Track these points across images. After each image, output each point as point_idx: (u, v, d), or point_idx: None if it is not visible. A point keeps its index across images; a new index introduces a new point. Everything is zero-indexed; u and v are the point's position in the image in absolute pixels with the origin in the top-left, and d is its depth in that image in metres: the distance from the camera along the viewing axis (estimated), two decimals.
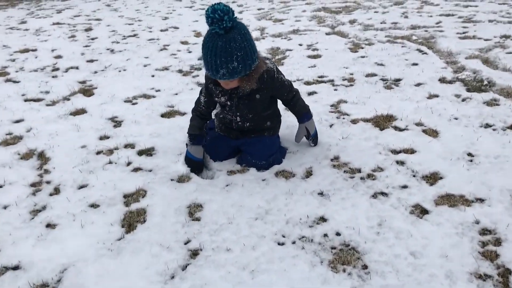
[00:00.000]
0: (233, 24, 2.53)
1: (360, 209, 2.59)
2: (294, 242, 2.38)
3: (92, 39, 6.95)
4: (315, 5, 8.57)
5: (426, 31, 6.08)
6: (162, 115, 4.02)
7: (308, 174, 2.98)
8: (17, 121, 4.06)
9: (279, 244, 2.38)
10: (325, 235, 2.42)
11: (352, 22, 6.97)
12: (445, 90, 4.10)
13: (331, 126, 3.59)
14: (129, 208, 2.73)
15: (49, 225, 2.63)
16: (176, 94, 4.49)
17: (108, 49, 6.29)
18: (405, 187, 2.76)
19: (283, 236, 2.43)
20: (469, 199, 2.60)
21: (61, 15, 9.05)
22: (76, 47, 6.45)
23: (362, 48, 5.56)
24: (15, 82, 5.12)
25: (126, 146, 3.49)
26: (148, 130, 3.71)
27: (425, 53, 5.17)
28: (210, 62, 2.57)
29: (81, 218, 2.66)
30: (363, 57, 5.21)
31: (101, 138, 3.64)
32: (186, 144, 3.13)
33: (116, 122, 3.92)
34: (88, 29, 7.61)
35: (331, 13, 7.71)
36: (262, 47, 5.87)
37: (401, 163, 3.02)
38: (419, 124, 3.52)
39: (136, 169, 3.16)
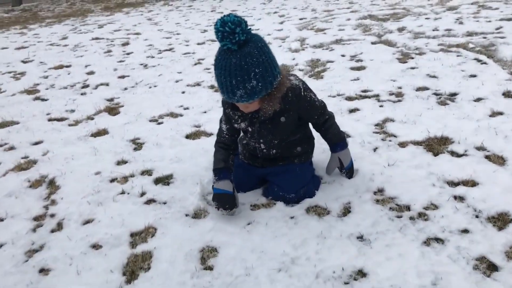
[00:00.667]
0: (247, 37, 2.13)
1: (409, 260, 2.09)
2: None
3: (128, 53, 6.75)
4: (360, 13, 8.05)
5: (485, 37, 5.45)
6: (187, 136, 3.66)
7: (346, 211, 2.51)
8: (36, 143, 3.82)
9: None
10: None
11: (401, 30, 6.41)
12: (511, 106, 3.51)
13: (375, 150, 3.10)
14: (135, 251, 2.36)
15: (42, 270, 2.29)
16: (205, 112, 4.13)
17: (141, 64, 6.04)
18: (465, 231, 2.24)
19: None
20: None
21: (101, 30, 8.99)
22: (110, 62, 6.26)
23: (412, 58, 5.02)
24: (43, 100, 4.94)
25: (143, 172, 3.14)
26: (169, 153, 3.36)
27: (485, 63, 4.57)
28: (225, 84, 2.17)
29: (79, 262, 2.31)
30: (413, 68, 4.67)
31: (118, 163, 3.32)
32: (212, 186, 2.60)
33: (137, 145, 3.59)
34: (125, 44, 7.45)
35: (377, 20, 7.18)
36: (301, 59, 5.44)
37: (460, 198, 2.49)
38: (480, 148, 2.97)
39: (149, 201, 2.79)
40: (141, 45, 7.22)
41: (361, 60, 5.14)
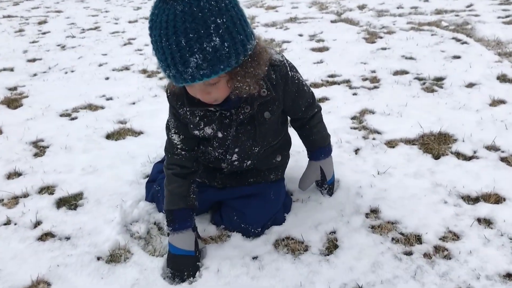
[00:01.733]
0: None
1: None
2: None
3: (44, 33, 5.64)
4: None
5: (457, 15, 4.85)
6: (108, 136, 2.77)
7: (331, 245, 1.75)
8: None
9: None
10: None
11: (361, 7, 5.73)
12: (511, 92, 2.88)
13: (356, 151, 2.37)
14: None
15: None
16: (133, 103, 3.23)
17: (59, 45, 4.99)
18: (509, 276, 1.53)
19: None
20: None
21: (16, 7, 7.73)
22: (20, 43, 5.15)
23: (381, 37, 4.32)
24: None
25: (41, 190, 2.25)
26: (81, 161, 2.47)
27: (465, 43, 3.94)
28: (169, 49, 1.25)
29: None
30: (384, 49, 3.97)
31: (8, 177, 2.40)
32: (168, 233, 1.74)
33: (39, 149, 2.67)
34: (42, 22, 6.31)
35: None
36: None
37: (486, 222, 1.79)
38: (492, 148, 2.30)
39: (45, 236, 1.91)
40: (61, 24, 6.11)
41: (322, 40, 4.39)
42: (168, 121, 1.76)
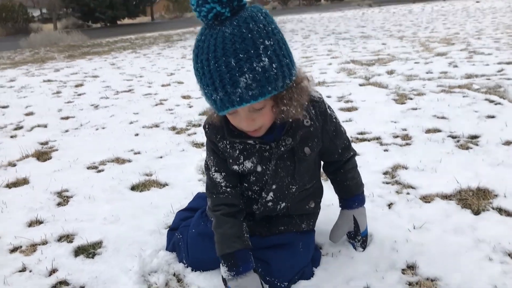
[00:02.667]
0: (243, 4, 1.30)
1: None
2: None
3: (79, 94, 5.84)
4: (342, 58, 7.43)
5: (488, 79, 4.80)
6: (133, 187, 2.73)
7: None
8: None
9: None
10: None
11: (390, 72, 5.75)
12: None
13: (389, 206, 2.24)
14: None
15: None
16: (161, 157, 3.21)
17: (92, 105, 5.13)
18: None
19: None
20: None
21: (57, 73, 8.09)
22: (56, 103, 5.32)
23: (411, 99, 4.27)
24: None
25: (61, 238, 2.18)
26: (104, 211, 2.41)
27: (499, 103, 3.85)
28: (217, 72, 1.24)
29: None
30: (414, 109, 3.91)
31: (30, 224, 2.35)
32: (224, 283, 1.64)
33: (63, 198, 2.63)
34: (78, 85, 6.55)
35: (361, 65, 6.53)
36: None
37: None
38: None
39: (59, 284, 1.82)
40: (97, 86, 6.33)
41: (351, 101, 4.37)
42: (206, 160, 1.72)
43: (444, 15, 16.22)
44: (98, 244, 2.09)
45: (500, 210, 2.11)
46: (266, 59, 1.25)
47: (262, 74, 1.25)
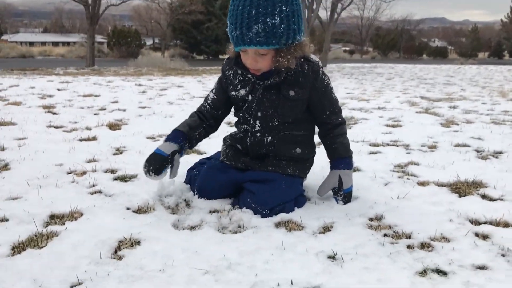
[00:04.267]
0: None
1: (390, 287, 1.43)
2: None
3: (161, 95, 6.60)
4: (412, 94, 7.58)
5: None
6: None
7: (325, 230, 1.89)
8: (20, 138, 3.47)
9: None
10: None
11: (452, 107, 5.85)
12: None
13: (386, 184, 2.49)
14: (42, 230, 1.83)
15: None
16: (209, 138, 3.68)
17: (168, 102, 5.82)
18: (483, 268, 1.56)
19: None
20: None
21: (149, 82, 9.04)
22: (139, 98, 6.11)
23: (457, 124, 4.41)
24: (54, 113, 4.72)
25: (106, 170, 2.69)
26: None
27: None
28: (241, 15, 1.81)
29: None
30: (456, 131, 4.06)
31: (88, 161, 2.89)
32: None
33: (119, 151, 3.17)
34: (163, 89, 7.37)
35: (429, 101, 6.66)
36: None
37: (483, 236, 1.81)
38: None
39: (95, 192, 2.30)
40: (178, 92, 7.09)
41: (399, 121, 4.60)
42: (213, 87, 2.28)
43: None
44: (133, 176, 2.57)
45: (483, 196, 2.29)
46: (278, 19, 1.78)
47: (271, 28, 1.77)
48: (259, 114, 2.08)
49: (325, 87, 2.07)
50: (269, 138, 2.12)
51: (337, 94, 5.29)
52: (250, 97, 2.08)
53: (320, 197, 2.24)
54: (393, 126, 4.33)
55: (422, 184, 2.49)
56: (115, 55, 30.87)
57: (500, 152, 3.22)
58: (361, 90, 8.43)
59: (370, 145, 3.48)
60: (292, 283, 1.45)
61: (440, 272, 1.53)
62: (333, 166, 2.19)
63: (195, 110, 2.35)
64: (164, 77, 10.87)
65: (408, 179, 2.58)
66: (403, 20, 60.97)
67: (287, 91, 2.01)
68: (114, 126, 4.05)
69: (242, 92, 2.08)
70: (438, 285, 1.45)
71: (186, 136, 2.18)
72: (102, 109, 5.09)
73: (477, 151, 3.28)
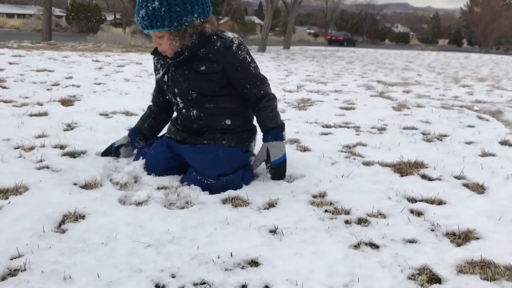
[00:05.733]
0: None
1: (324, 259, 1.51)
2: None
3: (118, 72, 6.49)
4: (370, 78, 7.75)
5: (493, 105, 5.00)
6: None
7: (270, 206, 1.95)
8: None
9: (158, 287, 1.34)
10: (243, 287, 1.35)
11: (406, 92, 6.03)
12: (506, 151, 2.97)
13: (332, 164, 2.57)
14: None
15: None
16: None
17: (125, 79, 5.74)
18: (412, 241, 1.66)
19: (172, 277, 1.38)
20: None
21: (107, 58, 8.85)
22: (94, 74, 5.98)
23: (408, 108, 4.56)
24: (4, 88, 4.57)
25: (56, 146, 2.65)
26: (98, 138, 2.87)
27: (487, 120, 4.08)
28: (137, 2, 2.03)
29: None
30: (406, 114, 4.20)
31: (37, 137, 2.84)
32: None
33: (70, 127, 3.13)
34: (120, 66, 7.25)
35: (385, 85, 6.83)
36: (292, 97, 5.03)
37: (417, 213, 1.92)
38: (459, 177, 2.42)
39: (42, 168, 2.28)
40: (136, 69, 6.99)
41: (353, 104, 4.71)
42: None
43: (497, 64, 16.14)
44: (83, 152, 2.55)
45: (423, 176, 2.41)
46: (157, 3, 1.93)
47: (152, 12, 1.95)
48: (176, 90, 2.20)
49: (240, 61, 2.13)
50: (195, 112, 2.20)
51: (297, 76, 5.36)
52: (166, 77, 2.22)
53: (267, 175, 2.29)
54: (346, 108, 4.43)
55: (367, 164, 2.59)
56: (74, 30, 29.86)
57: (445, 135, 3.37)
58: (320, 73, 8.54)
59: (322, 126, 3.56)
60: (231, 255, 1.51)
61: (372, 245, 1.62)
62: (263, 138, 2.24)
63: (151, 88, 2.52)
64: (123, 53, 10.63)
65: (354, 159, 2.68)
66: (367, 4, 61.66)
67: (197, 66, 2.11)
68: (66, 102, 3.98)
69: (161, 73, 2.25)
70: (370, 257, 1.53)
71: (137, 130, 2.45)
72: (56, 84, 4.97)
73: (424, 133, 3.41)
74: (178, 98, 2.21)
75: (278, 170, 2.23)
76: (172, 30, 2.00)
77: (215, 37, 2.11)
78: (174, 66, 2.15)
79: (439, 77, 8.79)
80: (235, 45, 2.11)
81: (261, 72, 2.26)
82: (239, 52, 2.12)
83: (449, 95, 5.79)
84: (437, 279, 1.41)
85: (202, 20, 2.04)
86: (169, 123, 2.44)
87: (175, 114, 2.39)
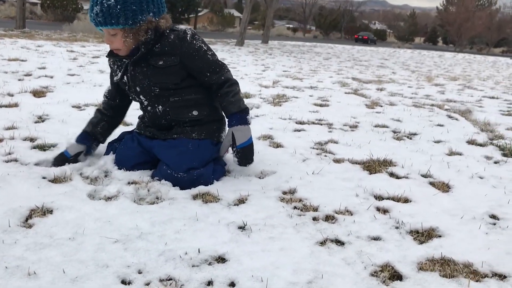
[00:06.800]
0: None
1: (290, 256, 1.53)
2: (148, 284, 1.34)
3: (93, 63, 6.40)
4: (345, 75, 7.83)
5: (463, 104, 5.12)
6: None
7: (240, 202, 1.97)
8: None
9: (124, 283, 1.34)
10: (210, 283, 1.36)
11: (380, 89, 6.11)
12: (473, 151, 3.06)
13: (304, 160, 2.60)
14: None
15: None
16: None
17: (99, 70, 5.67)
18: (377, 239, 1.70)
19: (139, 272, 1.39)
20: (480, 271, 1.50)
21: (82, 48, 8.71)
22: (68, 65, 5.88)
23: (381, 106, 4.64)
24: None
25: (25, 139, 2.62)
26: (70, 131, 2.82)
27: (456, 119, 4.18)
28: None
29: None
30: (378, 112, 4.27)
31: (6, 128, 2.79)
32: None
33: (41, 119, 3.09)
34: (95, 57, 7.15)
35: (359, 82, 6.91)
36: (267, 93, 5.05)
37: (383, 211, 1.96)
38: (426, 175, 2.48)
39: (10, 161, 2.25)
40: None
41: (327, 101, 4.76)
42: None
43: (470, 63, 16.49)
44: (53, 145, 2.53)
45: (391, 174, 2.46)
46: (113, 0, 1.91)
47: (107, 9, 1.92)
48: (138, 89, 2.18)
49: (196, 50, 2.13)
50: (160, 107, 2.19)
51: (273, 71, 5.37)
52: (125, 78, 2.19)
53: (238, 172, 2.31)
54: (320, 105, 4.48)
55: (337, 161, 2.63)
56: (49, 18, 29.28)
57: (415, 134, 3.44)
58: (297, 69, 8.58)
59: (296, 122, 3.60)
60: (199, 252, 1.52)
61: (338, 242, 1.65)
62: (227, 124, 2.24)
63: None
64: (99, 44, 10.46)
65: (325, 156, 2.71)
66: (345, 1, 62.00)
67: (155, 61, 2.10)
68: (38, 93, 3.91)
69: (119, 75, 2.21)
70: (335, 253, 1.57)
71: (90, 135, 2.33)
72: (28, 74, 4.88)
73: (394, 132, 3.48)
74: (141, 96, 2.20)
75: (244, 154, 2.21)
76: (126, 27, 1.99)
77: (167, 31, 2.11)
78: (132, 65, 2.13)
79: (412, 75, 8.94)
80: (188, 35, 2.12)
81: (220, 59, 2.25)
82: (194, 41, 2.13)
83: (421, 94, 5.90)
84: (398, 276, 1.45)
85: (157, 18, 2.05)
86: (138, 119, 2.41)
87: (141, 112, 2.36)
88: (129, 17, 1.95)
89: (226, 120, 2.27)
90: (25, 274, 1.34)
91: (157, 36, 2.07)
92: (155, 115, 2.22)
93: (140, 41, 2.04)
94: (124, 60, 2.15)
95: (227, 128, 2.33)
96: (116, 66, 2.22)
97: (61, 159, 2.24)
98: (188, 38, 2.11)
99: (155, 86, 2.14)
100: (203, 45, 2.16)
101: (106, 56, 2.23)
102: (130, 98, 2.31)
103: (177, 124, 2.22)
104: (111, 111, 2.37)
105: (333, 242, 1.65)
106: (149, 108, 2.21)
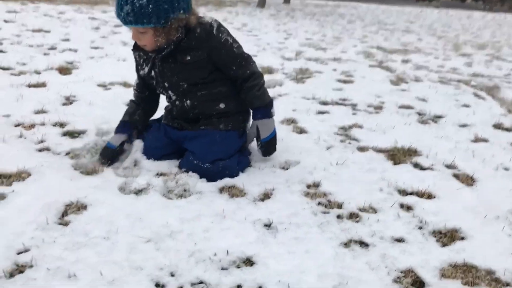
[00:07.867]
0: None
1: (315, 259, 1.59)
2: None
3: (115, 33, 6.42)
4: (369, 43, 7.69)
5: (490, 80, 5.01)
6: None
7: (265, 197, 2.02)
8: None
9: (157, 286, 1.42)
10: (239, 287, 1.43)
11: (405, 61, 6.00)
12: (499, 137, 3.02)
13: (328, 148, 2.62)
14: None
15: None
16: None
17: (122, 42, 5.69)
18: (400, 240, 1.74)
19: (172, 275, 1.46)
20: (502, 280, 1.53)
21: (103, 14, 8.69)
22: (91, 36, 5.92)
23: (406, 83, 4.57)
24: (1, 51, 4.54)
25: (55, 124, 2.69)
26: (97, 114, 2.89)
27: (482, 98, 4.11)
28: None
29: None
30: (403, 90, 4.22)
31: (36, 112, 2.87)
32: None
33: (69, 101, 3.15)
34: (117, 25, 7.10)
35: (384, 52, 6.78)
36: (290, 66, 5.01)
37: (407, 207, 1.99)
38: (450, 166, 2.48)
39: (43, 149, 2.33)
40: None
41: (351, 76, 4.71)
42: None
43: (500, 25, 15.93)
44: (83, 132, 2.60)
45: (415, 165, 2.47)
46: (145, 0, 1.88)
47: (139, 9, 1.88)
48: (166, 84, 2.20)
49: (222, 44, 2.13)
50: (188, 102, 2.22)
51: (296, 39, 5.32)
52: (153, 73, 2.20)
53: (263, 163, 2.35)
54: (344, 81, 4.44)
55: (361, 149, 2.64)
56: None
57: (440, 117, 3.41)
58: (320, 35, 8.44)
59: (319, 103, 3.59)
60: (227, 253, 1.58)
61: (362, 243, 1.70)
62: (253, 117, 2.30)
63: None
64: None
65: (349, 143, 2.73)
66: None
67: (182, 57, 2.10)
68: (64, 70, 3.97)
69: (146, 70, 2.21)
70: (359, 256, 1.62)
71: (130, 124, 2.32)
72: (53, 48, 4.94)
73: (419, 114, 3.45)
74: (169, 92, 2.22)
75: (268, 147, 2.30)
76: (158, 27, 1.97)
77: (194, 25, 2.10)
78: (159, 61, 2.14)
79: (439, 42, 8.72)
80: (214, 28, 2.10)
81: (245, 51, 2.25)
82: (220, 35, 2.12)
83: (448, 67, 5.77)
84: (421, 282, 1.50)
85: (187, 15, 2.03)
86: (164, 110, 2.43)
87: (166, 103, 2.38)
88: (161, 16, 1.93)
89: (251, 110, 2.31)
90: (66, 276, 1.42)
91: (186, 32, 2.07)
92: (183, 109, 2.25)
93: (171, 39, 2.05)
94: (150, 54, 2.16)
95: (251, 119, 2.36)
96: (142, 60, 2.23)
97: (109, 153, 2.22)
98: (214, 31, 2.10)
99: (183, 82, 2.17)
100: (228, 38, 2.16)
101: (132, 49, 2.24)
102: (157, 92, 2.33)
103: (204, 117, 2.25)
104: (143, 103, 2.37)
105: (357, 244, 1.69)
106: (177, 102, 2.24)
